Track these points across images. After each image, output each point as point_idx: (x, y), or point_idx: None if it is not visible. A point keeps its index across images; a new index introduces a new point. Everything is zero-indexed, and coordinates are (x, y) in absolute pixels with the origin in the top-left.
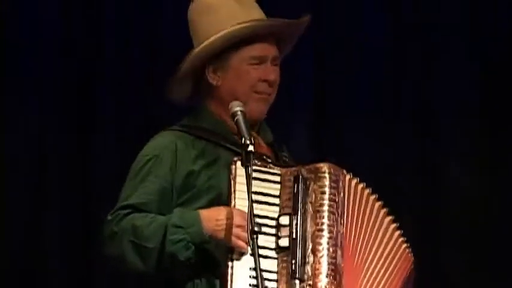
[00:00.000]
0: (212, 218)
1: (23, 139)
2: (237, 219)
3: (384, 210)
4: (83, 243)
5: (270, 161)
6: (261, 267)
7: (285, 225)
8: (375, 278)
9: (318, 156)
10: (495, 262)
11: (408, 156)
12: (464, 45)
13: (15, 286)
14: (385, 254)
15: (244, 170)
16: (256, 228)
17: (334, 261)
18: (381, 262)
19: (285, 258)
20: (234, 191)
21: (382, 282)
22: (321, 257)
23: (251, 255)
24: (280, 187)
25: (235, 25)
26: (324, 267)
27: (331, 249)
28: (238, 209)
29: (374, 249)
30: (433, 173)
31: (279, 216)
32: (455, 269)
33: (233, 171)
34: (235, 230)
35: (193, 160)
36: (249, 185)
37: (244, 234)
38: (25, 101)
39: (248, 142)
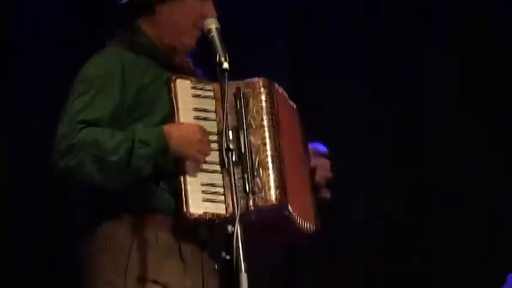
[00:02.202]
0: (175, 134)
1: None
2: (198, 135)
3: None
4: None
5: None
6: (208, 181)
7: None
8: (301, 178)
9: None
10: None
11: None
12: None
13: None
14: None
15: (185, 87)
16: (231, 146)
17: (280, 173)
18: (302, 162)
19: (230, 173)
20: (178, 108)
21: (303, 179)
22: (269, 169)
23: (204, 171)
24: (215, 102)
25: None
26: (272, 179)
27: (276, 162)
28: (199, 125)
29: (299, 153)
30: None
31: (221, 130)
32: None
33: (173, 89)
34: (197, 146)
35: (141, 75)
36: (224, 102)
37: (205, 150)
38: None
39: (223, 59)
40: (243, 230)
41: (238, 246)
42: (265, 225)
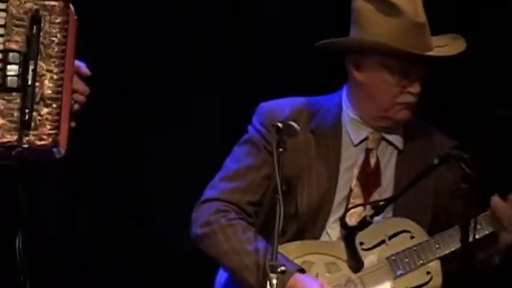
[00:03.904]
0: None
1: None
2: None
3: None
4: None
5: None
6: None
7: (13, 63)
8: (68, 104)
9: None
10: None
11: None
12: None
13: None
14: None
15: None
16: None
17: (59, 110)
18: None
19: (8, 98)
20: None
21: (69, 105)
22: (49, 106)
23: None
24: (7, 15)
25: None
26: (51, 118)
27: (58, 98)
28: None
29: (70, 75)
30: None
31: (6, 51)
32: None
33: None
34: None
35: None
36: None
37: None
38: None
39: None
40: None
41: None
42: (24, 155)
